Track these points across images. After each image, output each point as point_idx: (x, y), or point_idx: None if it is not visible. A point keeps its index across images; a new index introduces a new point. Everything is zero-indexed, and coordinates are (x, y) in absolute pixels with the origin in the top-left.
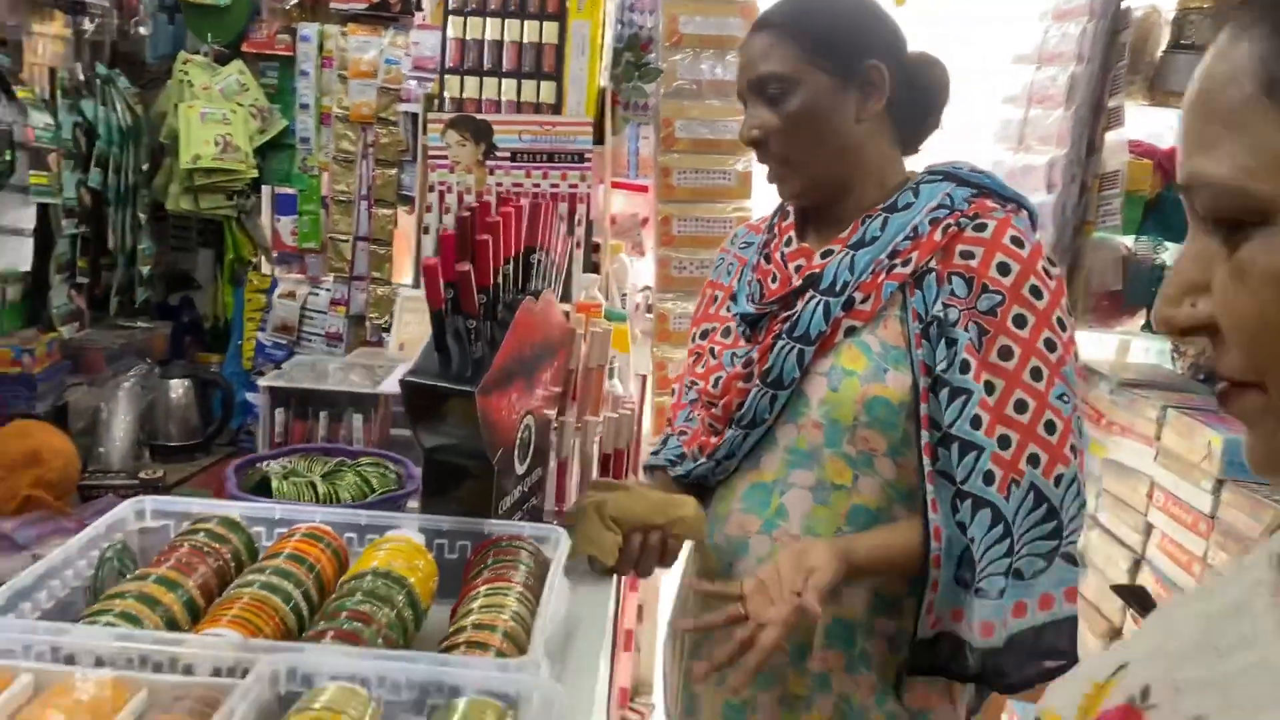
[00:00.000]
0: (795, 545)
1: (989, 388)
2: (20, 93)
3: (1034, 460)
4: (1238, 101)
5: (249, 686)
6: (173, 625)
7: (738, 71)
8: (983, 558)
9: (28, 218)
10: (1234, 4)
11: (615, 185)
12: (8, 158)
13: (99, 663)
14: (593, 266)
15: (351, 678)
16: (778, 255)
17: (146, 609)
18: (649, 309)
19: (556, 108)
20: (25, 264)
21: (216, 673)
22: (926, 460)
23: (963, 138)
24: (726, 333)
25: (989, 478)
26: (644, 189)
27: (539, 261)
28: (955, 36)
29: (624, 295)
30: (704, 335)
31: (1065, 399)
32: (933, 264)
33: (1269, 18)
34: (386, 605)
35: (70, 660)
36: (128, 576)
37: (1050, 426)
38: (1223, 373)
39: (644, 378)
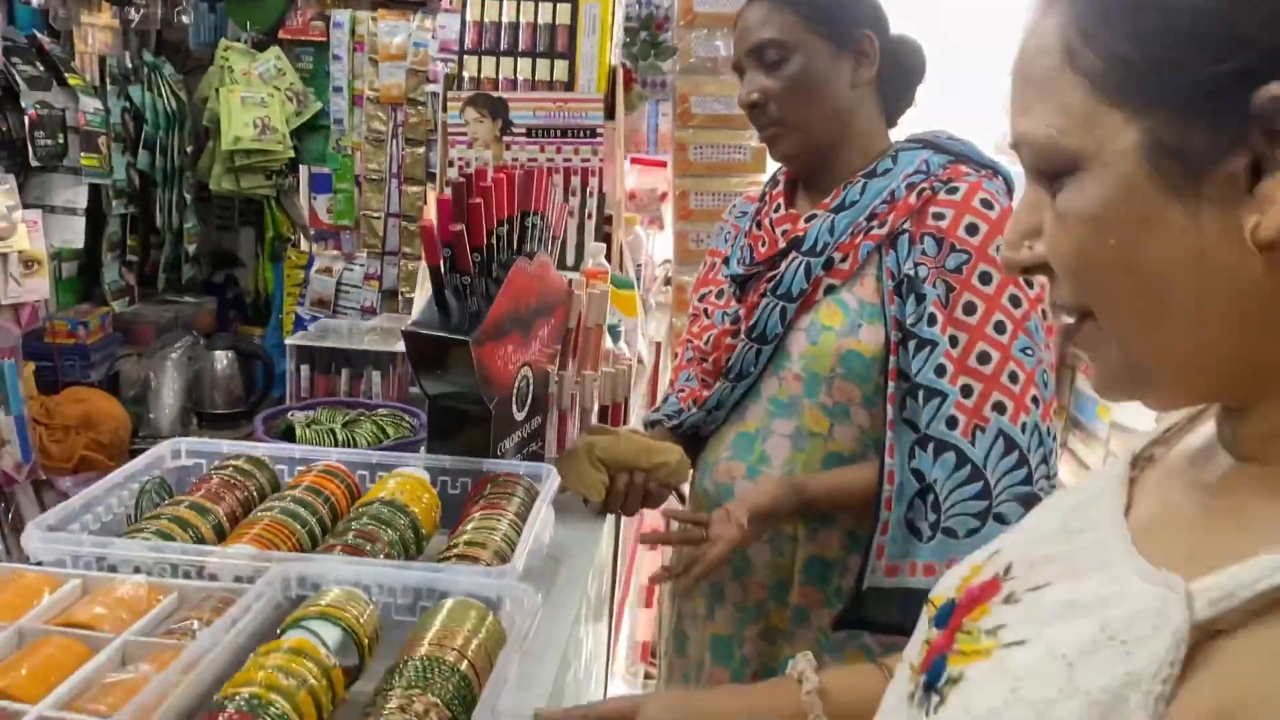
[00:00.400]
0: (757, 480)
1: (953, 341)
2: (72, 80)
3: (999, 408)
4: (1046, 69)
5: (262, 589)
6: (201, 543)
7: (735, 41)
8: (948, 498)
9: (80, 197)
10: None
11: (635, 161)
12: (61, 141)
13: (136, 570)
14: (604, 237)
15: (354, 583)
16: (767, 221)
17: (179, 529)
18: (667, 281)
19: (569, 85)
20: (79, 241)
21: (237, 580)
22: (891, 409)
23: (970, 106)
24: (720, 294)
25: (952, 422)
26: (663, 164)
27: (534, 225)
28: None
29: (638, 265)
30: (701, 298)
31: (1029, 352)
32: (907, 225)
33: None
34: (389, 528)
35: (112, 569)
36: (163, 504)
37: (1013, 376)
38: (1056, 302)
39: (658, 345)
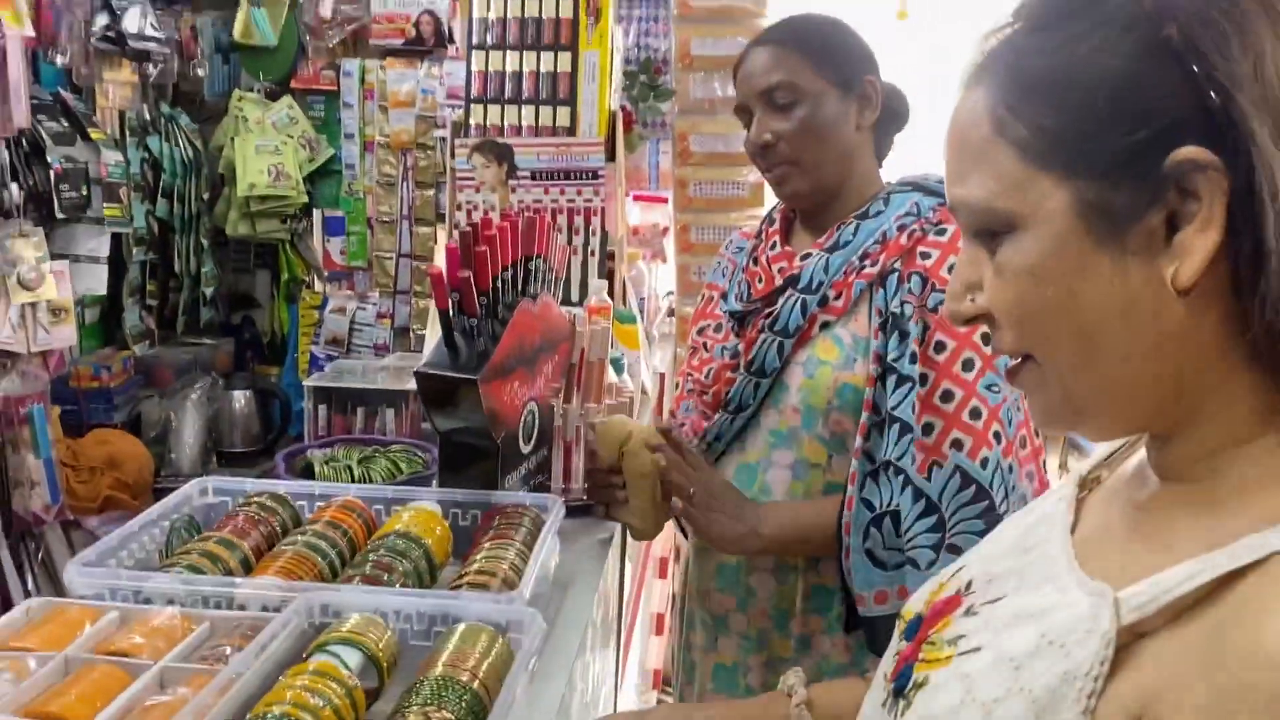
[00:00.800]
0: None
1: (923, 378)
2: (94, 134)
3: (958, 445)
4: (979, 139)
5: (288, 617)
6: (229, 575)
7: (739, 85)
8: (908, 530)
9: (103, 246)
10: (972, 66)
11: (637, 198)
12: (84, 193)
13: (170, 602)
14: (607, 273)
15: (373, 610)
16: (763, 258)
17: (209, 563)
18: (670, 312)
19: (571, 130)
20: (102, 288)
21: (264, 609)
22: (859, 438)
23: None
24: (718, 328)
25: (911, 458)
26: (664, 200)
27: (537, 268)
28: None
29: (641, 299)
30: (700, 332)
31: (994, 389)
32: (897, 264)
33: (992, 74)
34: (405, 559)
35: (147, 601)
36: (193, 540)
37: (975, 413)
38: (999, 349)
39: (662, 376)
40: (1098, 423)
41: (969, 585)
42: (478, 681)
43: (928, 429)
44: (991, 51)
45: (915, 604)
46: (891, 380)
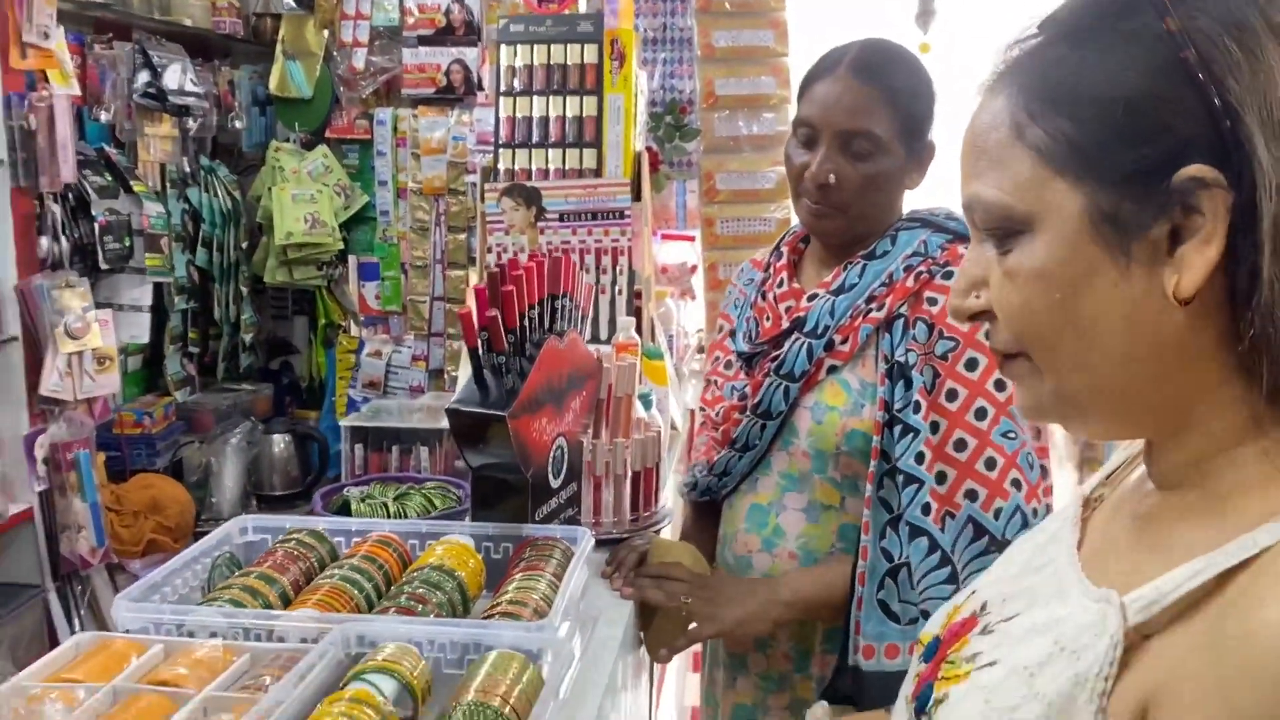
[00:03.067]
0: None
1: (934, 427)
2: (136, 187)
3: (971, 495)
4: (997, 142)
5: (325, 647)
6: (269, 609)
7: (814, 102)
8: (921, 582)
9: (146, 296)
10: (994, 73)
11: (665, 237)
12: (127, 244)
13: (212, 635)
14: (634, 311)
15: (408, 640)
16: (771, 296)
17: (249, 597)
18: (700, 349)
19: (598, 171)
20: (145, 337)
21: (303, 640)
22: (869, 487)
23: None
24: (729, 365)
25: (926, 509)
26: (691, 239)
27: (563, 306)
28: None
29: (670, 336)
30: (714, 362)
31: (1010, 435)
32: (903, 309)
33: (1014, 81)
34: (439, 590)
35: (190, 634)
36: (233, 575)
37: (990, 463)
38: (996, 347)
39: (692, 412)
40: (1089, 422)
41: (984, 606)
42: (509, 707)
43: (941, 478)
44: (1014, 60)
45: (932, 627)
46: (897, 430)
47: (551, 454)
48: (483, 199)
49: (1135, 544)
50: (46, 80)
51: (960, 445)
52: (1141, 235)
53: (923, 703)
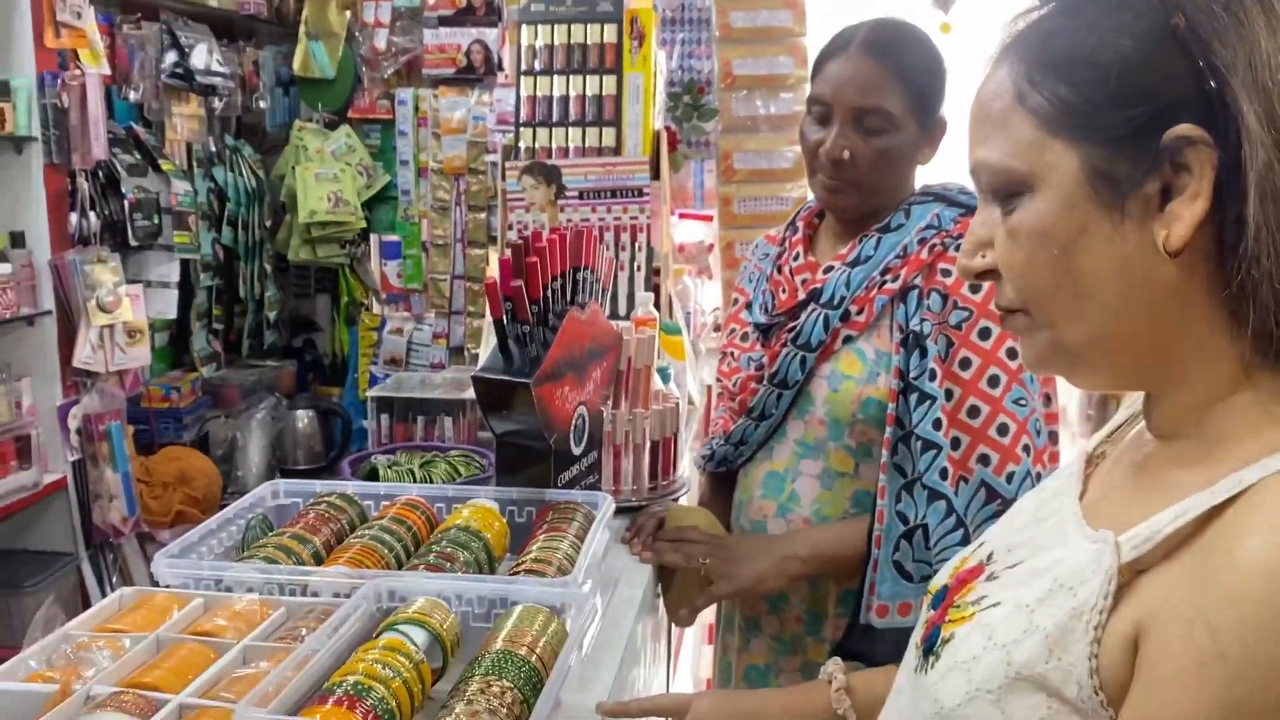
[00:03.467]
0: (767, 541)
1: (949, 394)
2: (164, 166)
3: (984, 460)
4: (1001, 109)
5: (358, 601)
6: (302, 566)
7: (827, 80)
8: (938, 544)
9: (173, 272)
10: (999, 45)
11: (683, 216)
12: (156, 221)
13: (249, 590)
14: (653, 287)
15: (436, 594)
16: (787, 269)
17: (283, 555)
18: (717, 328)
19: (617, 150)
20: (172, 312)
21: (335, 595)
22: (885, 453)
23: None
24: (745, 337)
25: (944, 474)
26: (709, 218)
27: (585, 279)
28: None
29: (688, 313)
30: (730, 335)
31: (1022, 403)
32: (917, 280)
33: (1016, 51)
34: (466, 550)
35: (228, 589)
36: (267, 536)
37: (1003, 429)
38: (1000, 304)
39: (709, 388)
40: (1087, 372)
41: (990, 556)
42: (535, 656)
43: (955, 443)
44: (1019, 33)
45: (940, 578)
46: (914, 398)
47: (573, 422)
48: (503, 177)
49: (1133, 490)
50: (78, 59)
51: (974, 412)
52: (1134, 192)
53: (930, 644)
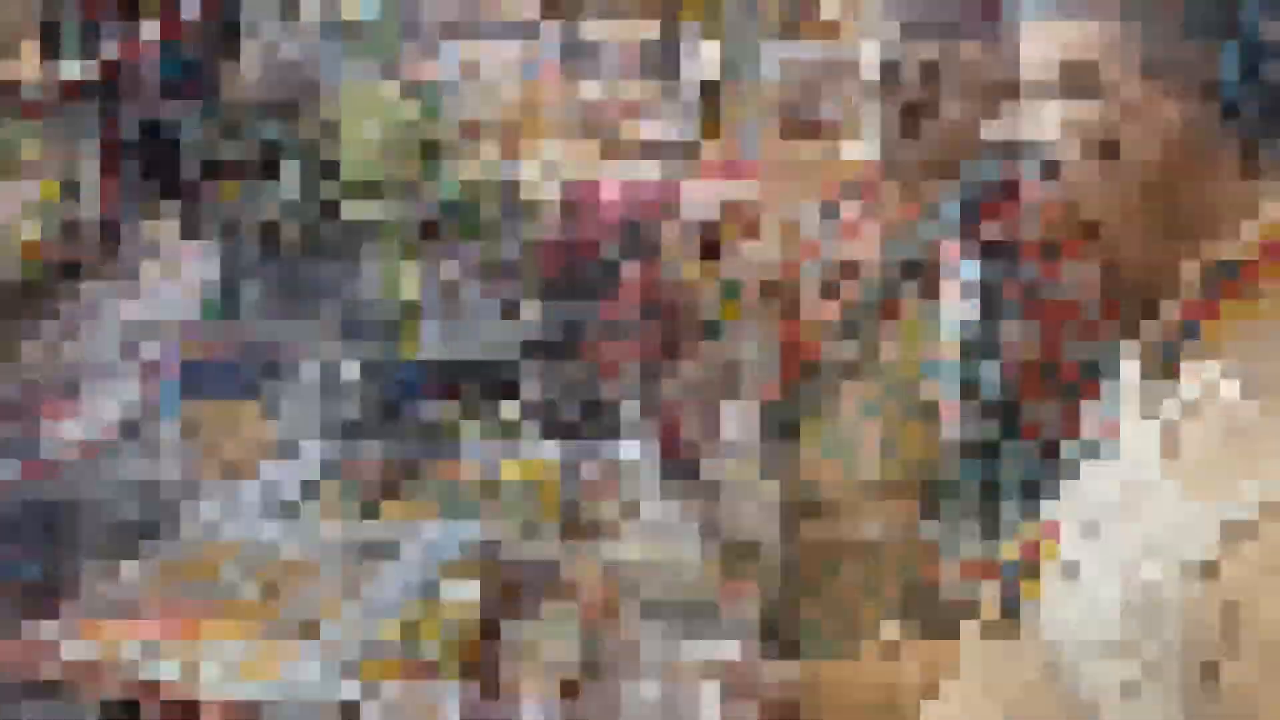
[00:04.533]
0: None
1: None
2: None
3: (1054, 423)
4: None
5: None
6: None
7: None
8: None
9: None
10: None
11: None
12: None
13: None
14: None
15: None
16: None
17: None
18: None
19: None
20: None
21: None
22: (950, 413)
23: None
24: None
25: (1011, 435)
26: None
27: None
28: None
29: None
30: None
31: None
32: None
33: None
34: None
35: None
36: None
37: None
38: None
39: None
40: None
41: (1069, 516)
42: None
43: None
44: None
45: (1013, 542)
46: (981, 358)
47: None
48: None
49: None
50: None
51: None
52: None
53: (1010, 606)
